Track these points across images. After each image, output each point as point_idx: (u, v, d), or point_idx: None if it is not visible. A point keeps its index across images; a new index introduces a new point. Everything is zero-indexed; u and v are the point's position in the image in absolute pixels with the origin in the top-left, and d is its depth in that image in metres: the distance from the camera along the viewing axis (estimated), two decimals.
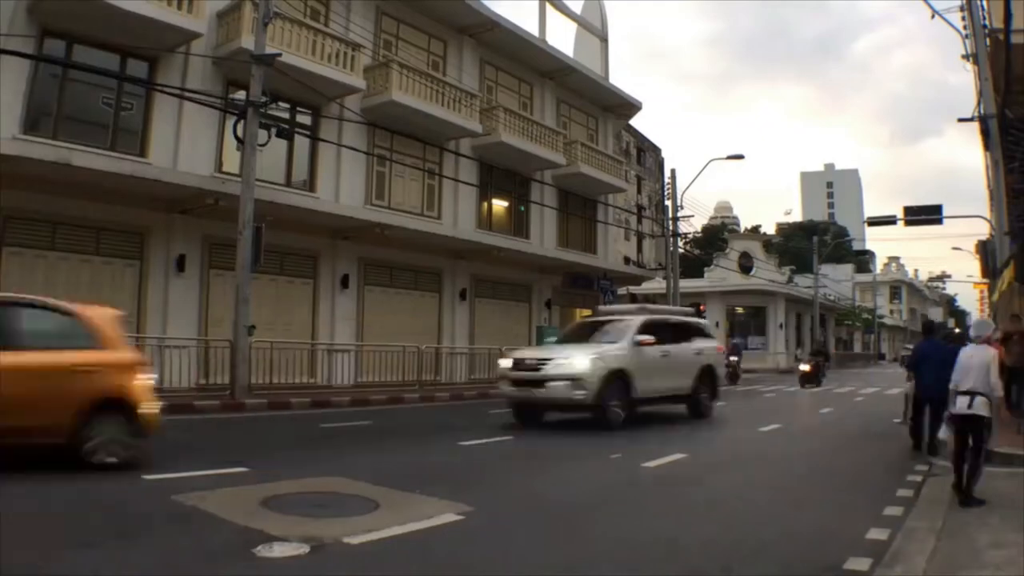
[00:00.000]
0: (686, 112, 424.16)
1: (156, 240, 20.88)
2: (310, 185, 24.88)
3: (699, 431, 17.21)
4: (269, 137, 19.55)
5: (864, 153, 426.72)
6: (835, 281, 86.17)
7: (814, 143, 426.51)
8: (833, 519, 8.19)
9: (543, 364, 16.43)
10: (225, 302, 20.47)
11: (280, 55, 19.44)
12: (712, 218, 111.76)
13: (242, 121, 19.06)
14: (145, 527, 6.83)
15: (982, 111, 19.11)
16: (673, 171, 44.41)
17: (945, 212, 30.31)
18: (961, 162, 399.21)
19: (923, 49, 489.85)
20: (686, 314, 22.46)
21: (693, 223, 77.69)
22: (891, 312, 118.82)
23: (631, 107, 41.27)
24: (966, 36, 21.20)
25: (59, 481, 8.69)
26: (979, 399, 8.73)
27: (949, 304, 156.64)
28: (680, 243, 45.41)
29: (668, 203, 43.64)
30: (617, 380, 16.29)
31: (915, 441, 13.55)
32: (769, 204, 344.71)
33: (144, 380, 10.05)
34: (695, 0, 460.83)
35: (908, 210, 30.44)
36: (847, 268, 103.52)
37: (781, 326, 62.22)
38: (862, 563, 6.21)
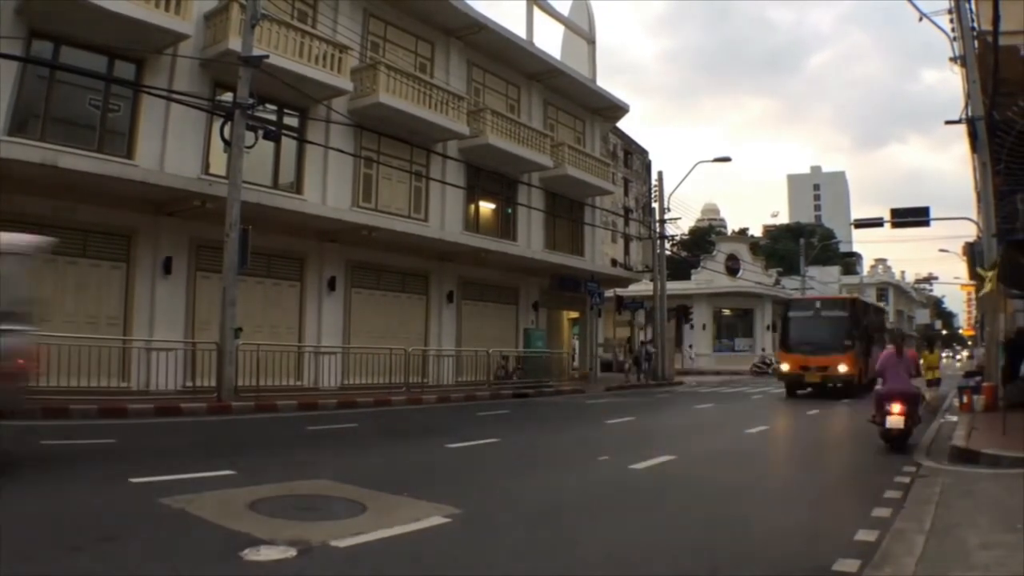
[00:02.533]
0: (652, 124, 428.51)
1: (143, 242, 20.81)
2: (297, 187, 24.82)
3: (687, 434, 17.23)
4: (256, 139, 19.51)
5: (827, 159, 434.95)
6: (822, 283, 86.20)
7: (780, 150, 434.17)
8: (821, 520, 8.19)
9: None
10: (212, 304, 20.40)
11: (267, 57, 19.42)
12: (699, 220, 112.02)
13: (229, 123, 19.02)
14: (132, 530, 6.78)
15: (970, 113, 19.18)
16: (660, 173, 44.48)
17: (923, 215, 30.36)
18: (926, 167, 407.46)
19: (876, 62, 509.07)
20: None
21: (680, 225, 77.94)
22: None
23: (618, 109, 41.35)
24: (954, 39, 21.26)
25: (45, 484, 8.64)
26: None
27: (936, 306, 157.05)
28: (667, 245, 45.39)
29: (655, 205, 43.72)
30: None
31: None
32: (756, 207, 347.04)
33: None
34: (648, 18, 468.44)
35: (895, 212, 30.48)
36: (834, 270, 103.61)
37: (768, 328, 62.31)
38: (851, 564, 6.20)
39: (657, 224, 42.77)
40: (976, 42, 18.90)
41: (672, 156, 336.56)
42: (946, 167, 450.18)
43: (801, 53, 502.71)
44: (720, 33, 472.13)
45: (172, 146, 21.20)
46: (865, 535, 7.21)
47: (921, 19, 21.40)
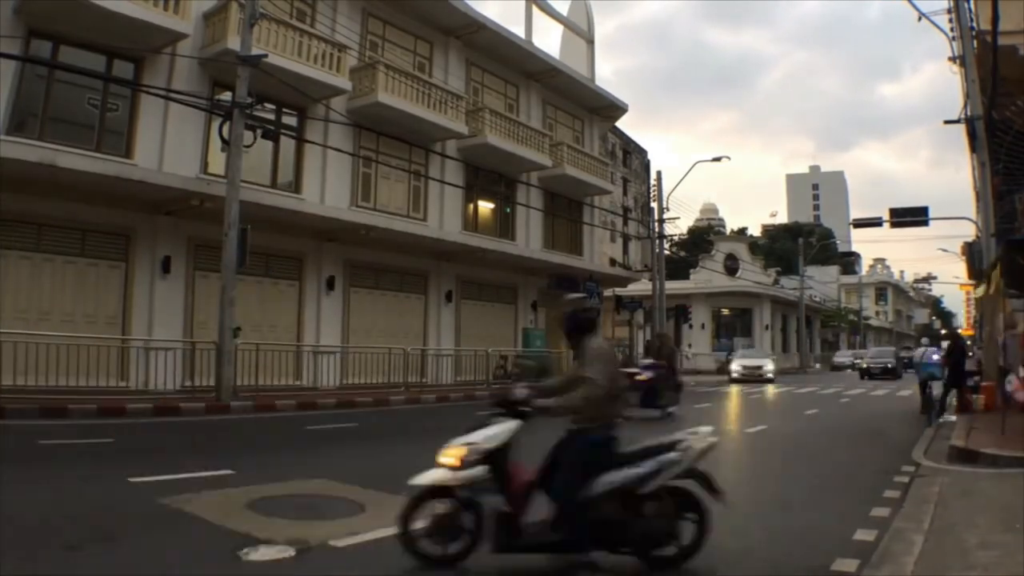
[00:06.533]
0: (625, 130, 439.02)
1: (141, 241, 20.80)
2: (295, 186, 24.81)
3: None
4: (255, 138, 19.50)
5: (793, 165, 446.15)
6: (821, 283, 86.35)
7: (750, 158, 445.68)
8: (820, 520, 8.19)
9: None
10: (210, 304, 20.38)
11: (266, 56, 19.39)
12: (698, 220, 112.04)
13: (228, 122, 19.00)
14: (131, 530, 6.78)
15: (968, 113, 19.20)
16: (659, 173, 44.51)
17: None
18: (892, 170, 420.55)
19: (827, 76, 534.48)
20: None
21: (679, 225, 78.03)
22: (877, 314, 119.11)
23: (617, 109, 41.30)
24: (953, 38, 21.29)
25: (43, 484, 8.64)
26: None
27: (935, 305, 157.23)
28: (666, 245, 45.42)
29: (654, 205, 43.73)
30: None
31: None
32: (744, 208, 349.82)
33: None
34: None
35: (894, 212, 30.50)
36: (833, 270, 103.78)
37: (767, 328, 62.35)
38: (850, 564, 6.21)
39: (656, 224, 42.78)
40: (975, 42, 18.92)
41: (652, 160, 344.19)
42: (916, 170, 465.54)
43: (750, 72, 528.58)
44: (667, 57, 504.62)
45: (171, 145, 21.18)
46: (864, 534, 7.21)
47: (920, 19, 21.46)
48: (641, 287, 48.64)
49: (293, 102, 24.08)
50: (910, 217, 30.27)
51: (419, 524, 6.00)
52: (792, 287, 66.49)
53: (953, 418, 18.08)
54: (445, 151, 29.08)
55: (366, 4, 27.56)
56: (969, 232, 48.81)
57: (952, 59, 21.76)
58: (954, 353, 19.61)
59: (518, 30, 33.38)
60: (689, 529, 6.12)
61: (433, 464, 6.05)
